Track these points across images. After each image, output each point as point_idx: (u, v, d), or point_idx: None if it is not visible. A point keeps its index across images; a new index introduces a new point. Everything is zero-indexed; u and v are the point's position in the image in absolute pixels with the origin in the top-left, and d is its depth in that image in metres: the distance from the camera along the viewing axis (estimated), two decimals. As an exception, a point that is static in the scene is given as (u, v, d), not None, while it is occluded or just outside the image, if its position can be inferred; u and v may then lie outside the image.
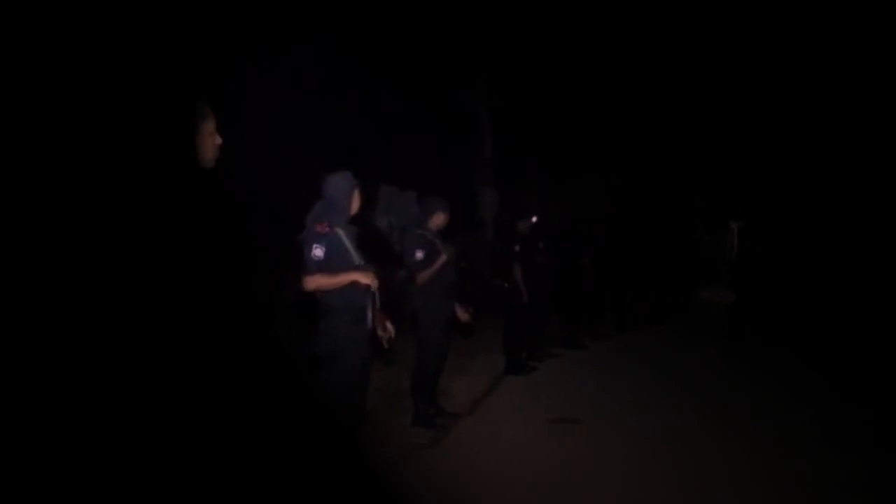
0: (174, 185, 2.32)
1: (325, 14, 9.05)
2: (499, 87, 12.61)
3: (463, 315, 4.88)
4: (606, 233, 9.28)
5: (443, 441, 4.39)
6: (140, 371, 2.20)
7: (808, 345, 8.40)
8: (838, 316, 9.32)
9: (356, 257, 3.40)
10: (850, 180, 9.95)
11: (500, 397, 5.63)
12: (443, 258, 4.69)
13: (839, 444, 4.44)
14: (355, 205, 3.51)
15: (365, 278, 3.34)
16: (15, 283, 2.14)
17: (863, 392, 5.93)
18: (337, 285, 3.32)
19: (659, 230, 12.32)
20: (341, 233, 3.39)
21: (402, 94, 10.21)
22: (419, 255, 4.65)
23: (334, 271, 3.31)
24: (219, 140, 2.51)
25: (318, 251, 3.30)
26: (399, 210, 5.21)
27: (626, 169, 14.56)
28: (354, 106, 9.98)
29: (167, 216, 2.20)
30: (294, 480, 3.04)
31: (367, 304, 3.40)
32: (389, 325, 3.51)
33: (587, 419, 4.96)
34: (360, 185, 3.52)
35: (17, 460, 2.20)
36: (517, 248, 6.48)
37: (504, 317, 6.58)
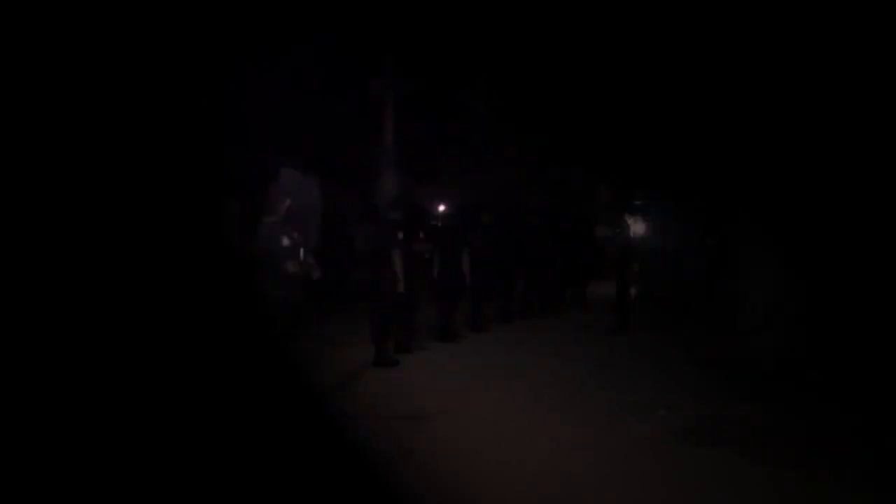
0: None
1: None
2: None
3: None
4: (503, 223, 9.78)
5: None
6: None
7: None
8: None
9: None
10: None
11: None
12: None
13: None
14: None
15: None
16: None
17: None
18: None
19: (560, 223, 12.34)
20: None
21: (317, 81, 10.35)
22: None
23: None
24: None
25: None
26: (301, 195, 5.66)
27: (539, 161, 14.62)
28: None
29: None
30: (293, 480, 3.05)
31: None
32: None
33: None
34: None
35: (17, 459, 2.21)
36: (399, 236, 6.96)
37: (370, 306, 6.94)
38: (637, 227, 11.53)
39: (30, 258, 2.41)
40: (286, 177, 5.64)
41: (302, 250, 5.44)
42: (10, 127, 2.46)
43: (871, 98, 6.53)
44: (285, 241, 5.30)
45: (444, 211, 9.20)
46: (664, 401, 5.47)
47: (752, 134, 7.48)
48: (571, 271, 11.79)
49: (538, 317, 10.48)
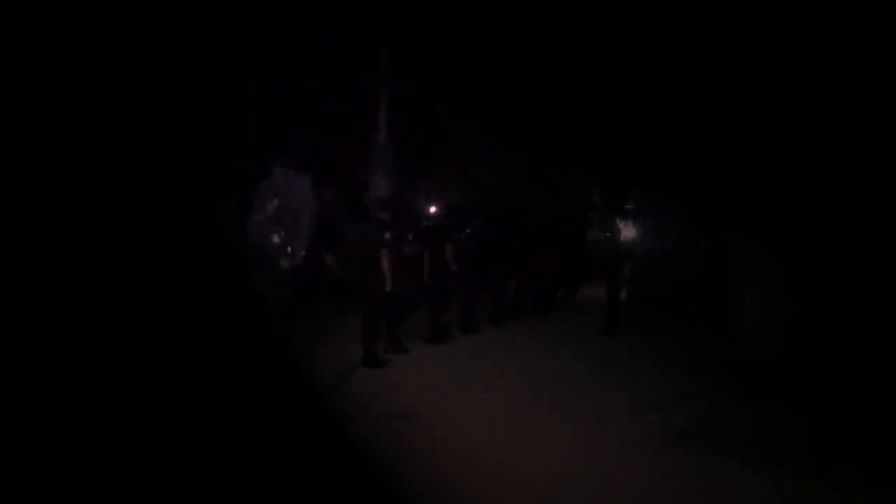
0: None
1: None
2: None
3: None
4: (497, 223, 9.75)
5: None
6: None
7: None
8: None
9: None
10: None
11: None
12: None
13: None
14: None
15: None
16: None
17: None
18: None
19: (556, 225, 12.30)
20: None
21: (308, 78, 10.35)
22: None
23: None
24: None
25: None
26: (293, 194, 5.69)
27: (536, 162, 14.61)
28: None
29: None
30: (293, 480, 3.04)
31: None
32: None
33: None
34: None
35: (17, 459, 2.19)
36: (387, 236, 6.89)
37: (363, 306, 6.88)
38: (628, 231, 11.54)
39: (28, 256, 2.40)
40: (278, 176, 5.64)
41: (290, 248, 5.45)
42: (9, 126, 2.45)
43: (871, 99, 6.54)
44: (275, 240, 5.29)
45: (435, 212, 9.16)
46: (665, 401, 5.47)
47: (753, 135, 7.49)
48: (564, 273, 11.76)
49: (530, 318, 10.46)
